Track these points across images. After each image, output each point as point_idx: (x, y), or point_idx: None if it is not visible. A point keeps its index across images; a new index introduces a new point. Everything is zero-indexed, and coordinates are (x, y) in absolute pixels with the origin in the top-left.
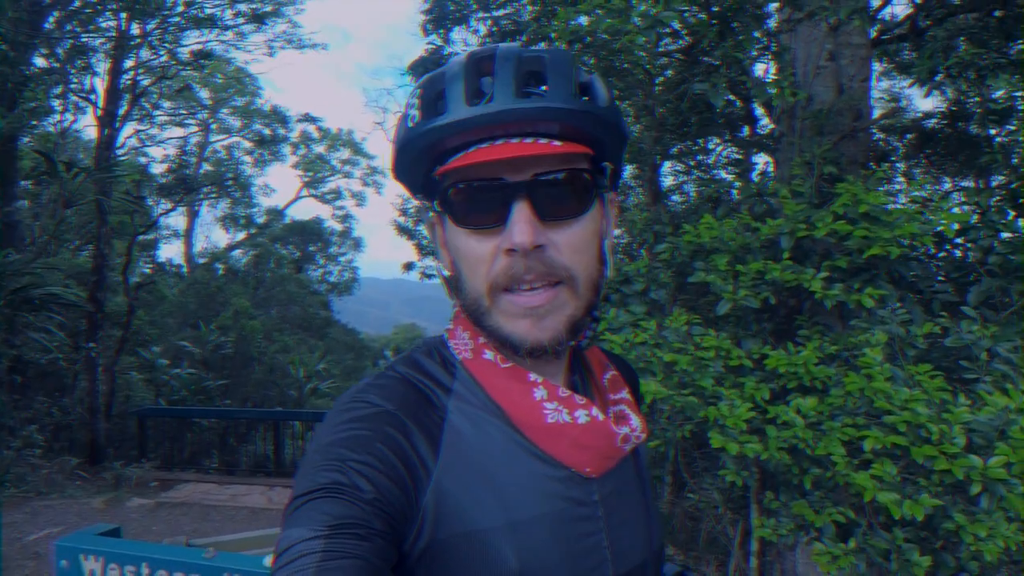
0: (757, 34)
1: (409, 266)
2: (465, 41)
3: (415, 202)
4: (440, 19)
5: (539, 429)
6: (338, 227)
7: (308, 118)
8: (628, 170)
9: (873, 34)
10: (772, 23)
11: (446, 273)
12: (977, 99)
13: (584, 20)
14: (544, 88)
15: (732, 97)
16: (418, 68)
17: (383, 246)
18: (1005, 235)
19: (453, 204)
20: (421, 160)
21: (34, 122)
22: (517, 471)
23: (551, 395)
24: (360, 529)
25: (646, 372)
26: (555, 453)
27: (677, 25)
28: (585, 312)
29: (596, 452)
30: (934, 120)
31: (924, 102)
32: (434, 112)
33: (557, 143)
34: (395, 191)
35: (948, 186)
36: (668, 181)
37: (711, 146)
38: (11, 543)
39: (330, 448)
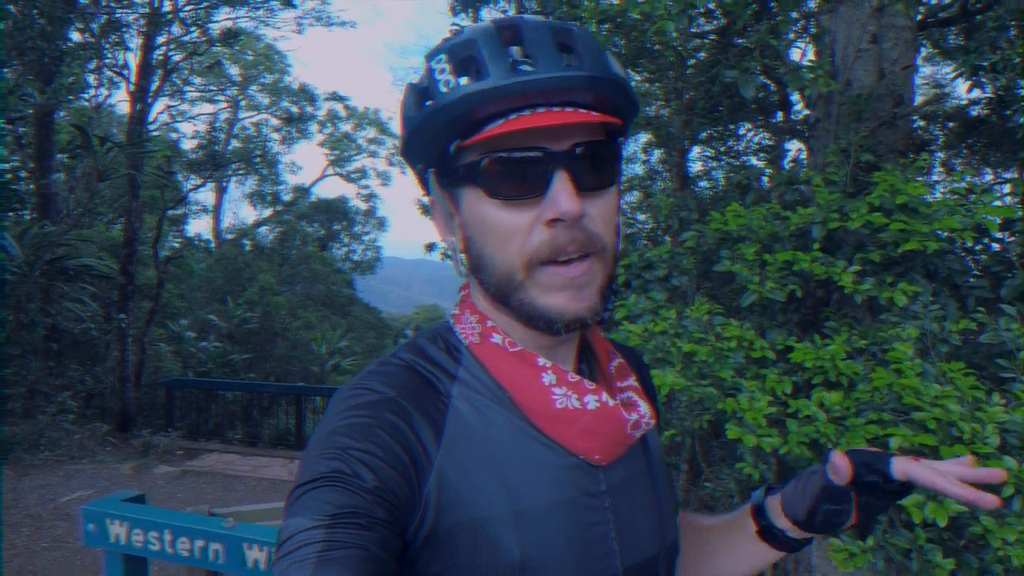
0: (795, 15)
1: (431, 246)
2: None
3: (420, 183)
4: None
5: (547, 415)
6: (363, 206)
7: (335, 96)
8: (656, 155)
9: (919, 16)
10: (812, 3)
11: (460, 255)
12: None
13: (615, 0)
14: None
15: (766, 81)
16: None
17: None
18: None
19: (486, 175)
20: (447, 130)
21: (71, 97)
22: (522, 458)
23: (560, 380)
24: (361, 518)
25: (664, 362)
26: (563, 440)
27: (712, 5)
28: (609, 283)
29: (605, 439)
30: (979, 107)
31: (968, 86)
32: (471, 79)
33: (594, 113)
34: None
35: (990, 178)
36: (696, 167)
37: (742, 131)
38: (44, 504)
39: (332, 436)
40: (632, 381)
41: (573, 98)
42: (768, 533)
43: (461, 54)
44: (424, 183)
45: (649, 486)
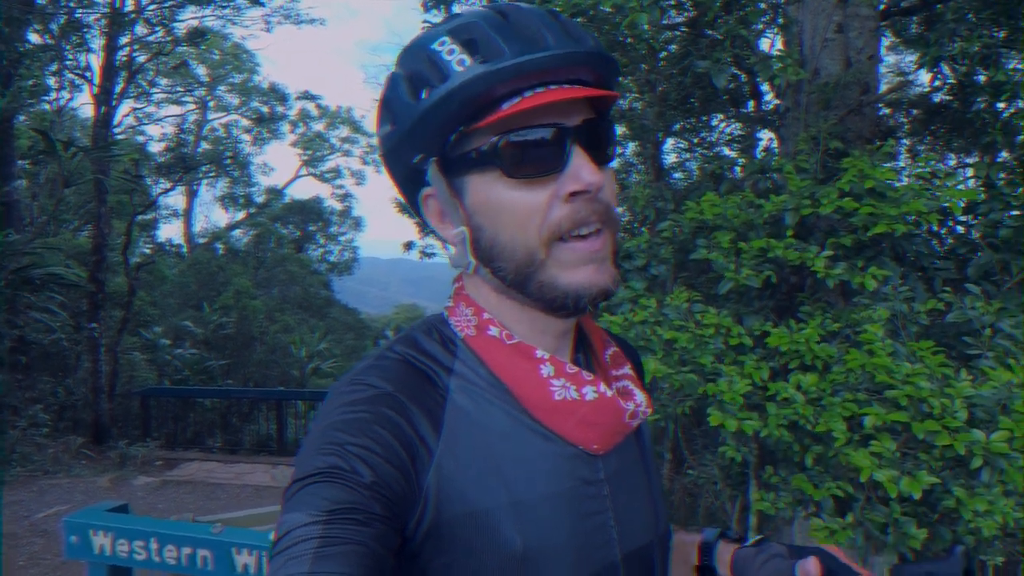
0: (763, 5)
1: (409, 245)
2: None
3: (402, 182)
4: None
5: (546, 407)
6: (338, 206)
7: (307, 96)
8: (630, 147)
9: (882, 6)
10: None
11: (466, 249)
12: (984, 77)
13: None
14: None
15: (737, 72)
16: None
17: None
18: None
19: (504, 155)
20: (460, 113)
21: (32, 101)
22: (521, 450)
23: (558, 371)
24: (359, 514)
25: (646, 350)
26: (562, 431)
27: None
28: (616, 257)
29: (603, 429)
30: (941, 93)
31: (930, 76)
32: (489, 57)
33: (598, 87)
34: None
35: (953, 163)
36: (671, 158)
37: (714, 122)
38: (19, 521)
39: (329, 432)
40: (627, 369)
41: (579, 75)
42: (704, 574)
43: (465, 35)
44: (415, 177)
45: (643, 474)
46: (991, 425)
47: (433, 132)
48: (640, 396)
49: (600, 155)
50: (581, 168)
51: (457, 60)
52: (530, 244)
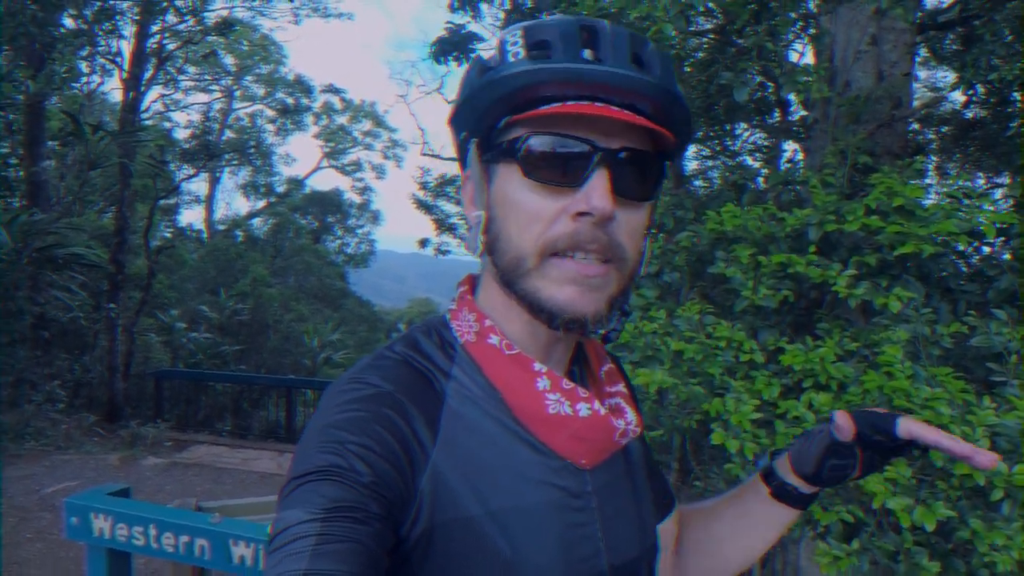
0: (794, 15)
1: (424, 242)
2: (495, 16)
3: (458, 153)
4: None
5: (539, 419)
6: (357, 199)
7: (332, 89)
8: None
9: (918, 20)
10: (812, 3)
11: (478, 232)
12: (1022, 96)
13: None
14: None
15: (764, 81)
16: (443, 45)
17: (401, 220)
18: None
19: (527, 153)
20: (502, 101)
21: (64, 88)
22: (512, 459)
23: (554, 386)
24: (357, 512)
25: (654, 360)
26: (552, 444)
27: (711, 4)
28: (620, 298)
29: (593, 445)
30: (974, 108)
31: (965, 99)
32: (539, 56)
33: (652, 122)
34: (416, 164)
35: (982, 182)
36: (692, 165)
37: (738, 131)
38: (29, 495)
39: (328, 430)
40: (621, 387)
41: (634, 103)
42: (782, 491)
43: (536, 35)
44: (463, 154)
45: (630, 489)
46: (1014, 456)
47: (479, 113)
48: (631, 415)
49: (631, 189)
50: (595, 190)
51: (513, 52)
52: (524, 249)
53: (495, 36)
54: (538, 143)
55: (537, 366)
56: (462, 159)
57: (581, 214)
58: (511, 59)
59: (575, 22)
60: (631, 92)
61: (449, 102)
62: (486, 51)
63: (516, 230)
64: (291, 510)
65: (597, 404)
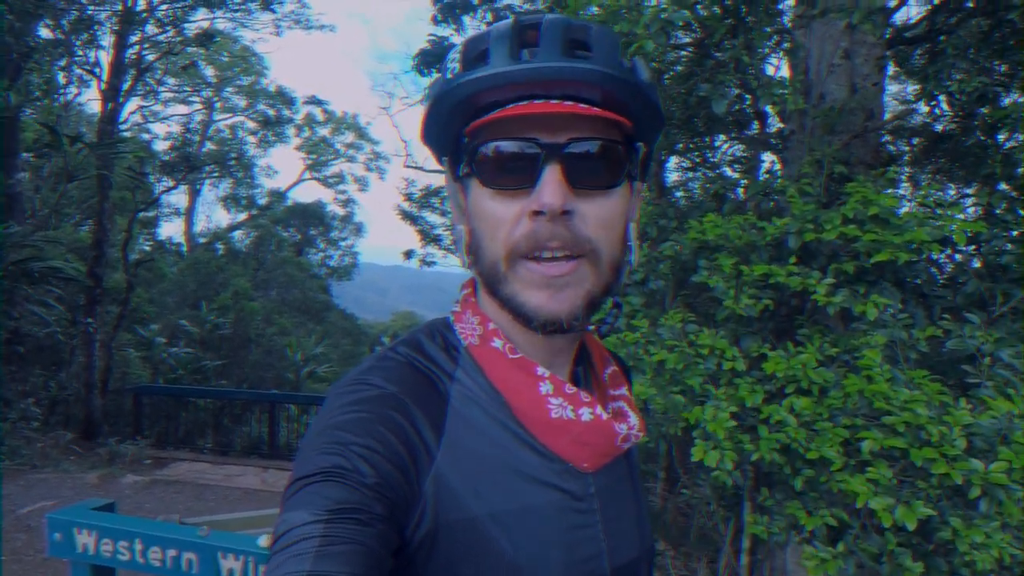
0: (769, 29)
1: (409, 254)
2: (478, 29)
3: (439, 169)
4: (450, 7)
5: (541, 423)
6: (340, 211)
7: (314, 100)
8: None
9: (888, 35)
10: (787, 19)
11: (462, 246)
12: (985, 111)
13: (595, 10)
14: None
15: (743, 93)
16: (426, 57)
17: (384, 232)
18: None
19: (482, 163)
20: (454, 117)
21: (44, 98)
22: (516, 462)
23: (557, 390)
24: (361, 514)
25: (637, 371)
26: (554, 447)
27: (690, 19)
28: (604, 292)
29: (596, 449)
30: (944, 122)
31: (928, 109)
32: (475, 67)
33: (596, 109)
34: (399, 176)
35: (952, 192)
36: (673, 177)
37: (718, 143)
38: (5, 515)
39: (332, 431)
40: (624, 390)
41: (579, 92)
42: None
43: (476, 47)
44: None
45: (630, 491)
46: (990, 455)
47: (437, 131)
48: (634, 419)
49: (591, 179)
50: (545, 187)
51: (450, 69)
52: (495, 254)
53: None
54: (487, 151)
55: (540, 370)
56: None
57: (536, 213)
58: (448, 75)
59: (510, 24)
60: (570, 83)
61: None
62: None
63: (487, 238)
64: (295, 511)
65: (599, 409)
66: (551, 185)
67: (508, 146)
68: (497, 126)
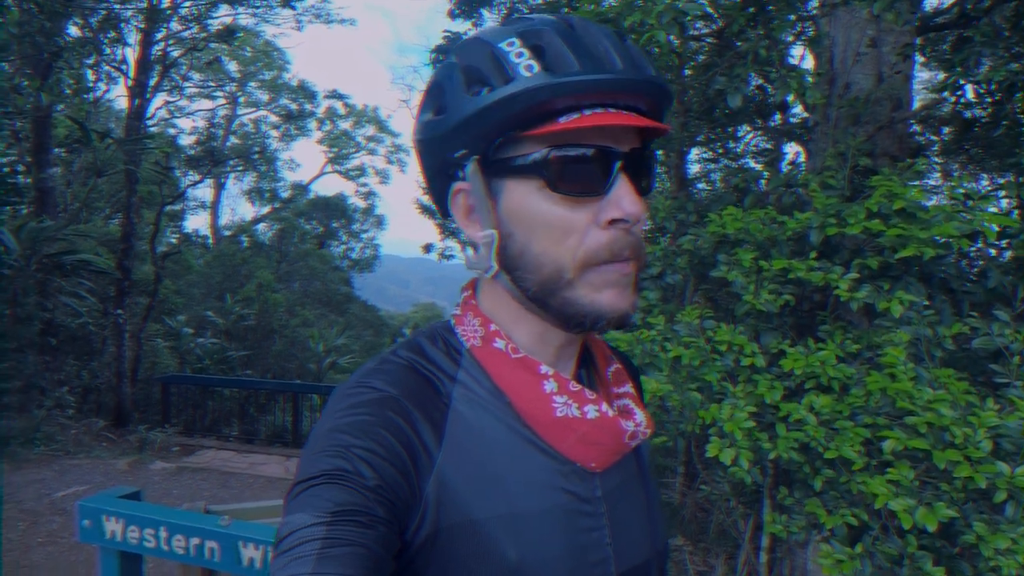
0: (793, 17)
1: (428, 247)
2: (496, 22)
3: (431, 174)
4: (469, 1)
5: (546, 422)
6: (361, 204)
7: (335, 94)
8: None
9: (917, 21)
10: (811, 5)
11: (489, 251)
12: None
13: (612, 1)
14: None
15: (764, 84)
16: (443, 53)
17: (404, 224)
18: None
19: (552, 168)
20: (516, 117)
21: (74, 96)
22: (520, 463)
23: (561, 388)
24: (362, 516)
25: (653, 367)
26: (560, 447)
27: (708, 8)
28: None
29: (603, 448)
30: (975, 108)
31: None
32: (556, 67)
33: (650, 119)
34: (419, 169)
35: (985, 183)
36: (694, 168)
37: (740, 133)
38: (40, 499)
39: (333, 434)
40: (629, 388)
41: (634, 103)
42: None
43: (534, 41)
44: (442, 171)
45: (641, 491)
46: (1018, 458)
47: (485, 131)
48: (640, 416)
49: (641, 187)
50: (624, 196)
51: (525, 65)
52: (562, 262)
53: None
54: (563, 157)
55: (544, 369)
56: (442, 177)
57: (615, 221)
58: (524, 72)
59: (559, 24)
60: (632, 94)
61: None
62: (445, 65)
63: (548, 245)
64: (297, 514)
65: (605, 406)
66: (630, 195)
67: (586, 153)
68: (566, 132)
